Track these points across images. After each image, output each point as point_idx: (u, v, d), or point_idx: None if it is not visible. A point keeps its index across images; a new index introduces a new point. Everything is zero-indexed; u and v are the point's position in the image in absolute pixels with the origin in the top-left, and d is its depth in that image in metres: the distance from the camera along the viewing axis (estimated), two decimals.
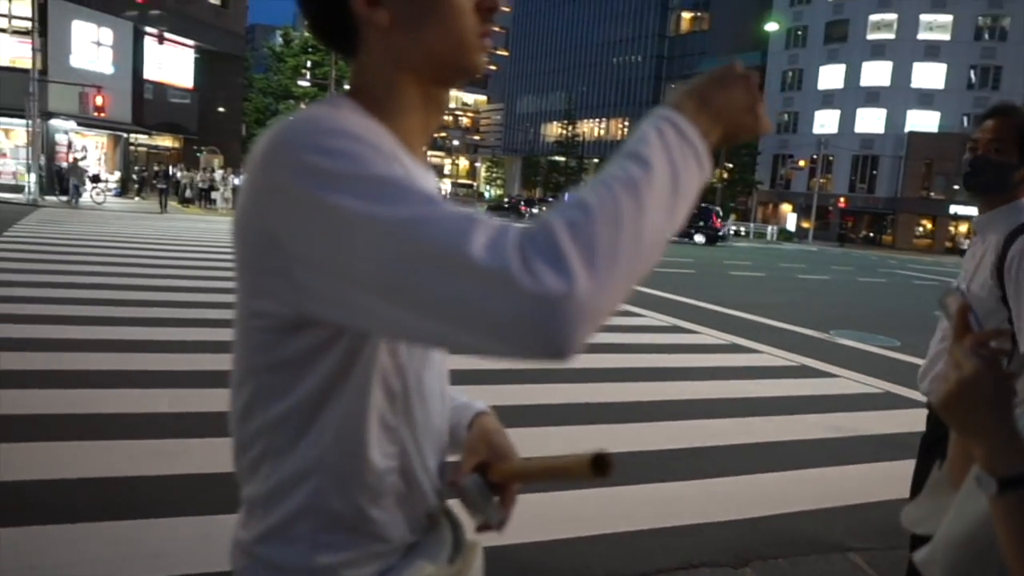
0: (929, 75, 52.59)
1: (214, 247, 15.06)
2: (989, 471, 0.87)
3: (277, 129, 0.78)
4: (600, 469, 0.87)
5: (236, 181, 31.59)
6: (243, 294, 0.84)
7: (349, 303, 0.72)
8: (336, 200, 0.69)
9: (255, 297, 0.82)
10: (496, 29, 0.97)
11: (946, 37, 52.15)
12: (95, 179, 26.89)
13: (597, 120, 78.82)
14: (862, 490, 4.31)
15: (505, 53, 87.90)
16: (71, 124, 28.35)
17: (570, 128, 70.18)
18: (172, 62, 34.51)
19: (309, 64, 46.56)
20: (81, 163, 27.24)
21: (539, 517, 3.38)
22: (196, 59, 36.48)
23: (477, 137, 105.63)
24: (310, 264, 0.73)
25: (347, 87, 0.94)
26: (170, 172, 29.01)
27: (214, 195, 30.69)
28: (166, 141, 37.13)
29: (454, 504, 1.03)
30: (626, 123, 75.39)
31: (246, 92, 48.03)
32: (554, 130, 77.60)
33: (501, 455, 1.04)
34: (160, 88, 34.52)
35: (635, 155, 0.72)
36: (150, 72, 33.55)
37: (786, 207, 58.01)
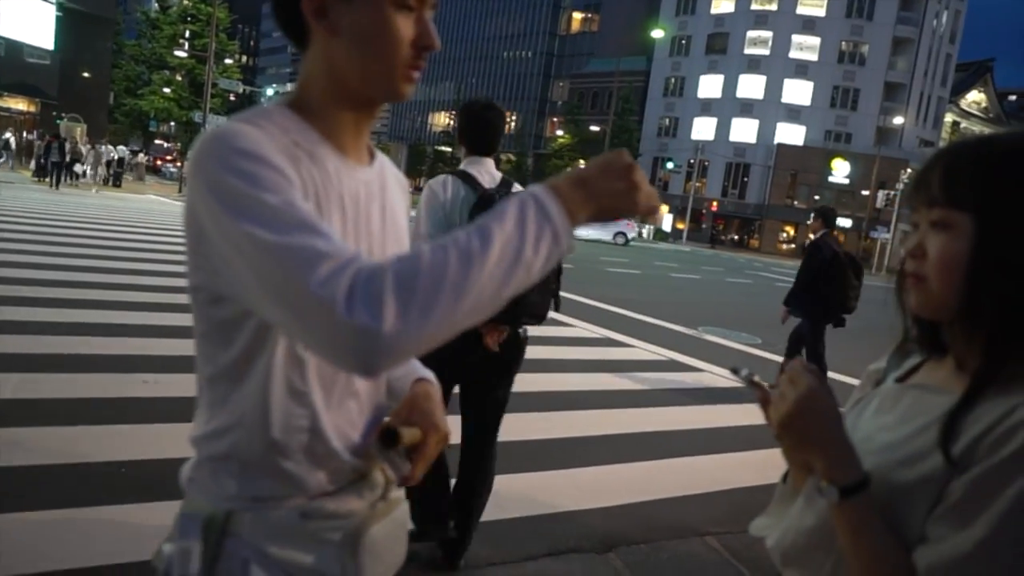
0: (798, 92, 56.01)
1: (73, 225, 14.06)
2: (830, 481, 0.92)
3: (206, 137, 0.94)
4: (386, 441, 1.08)
5: (114, 154, 28.92)
6: (188, 270, 1.01)
7: (241, 294, 0.92)
8: (232, 217, 0.87)
9: (193, 272, 1.00)
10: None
11: (814, 58, 55.67)
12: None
13: None
14: (719, 477, 4.56)
15: None
16: None
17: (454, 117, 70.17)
18: (29, 17, 31.80)
19: (187, 34, 44.17)
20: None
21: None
22: (58, 17, 33.79)
23: None
24: (220, 257, 0.92)
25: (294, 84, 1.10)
26: (65, 144, 24.66)
27: (77, 168, 27.06)
28: (20, 104, 34.24)
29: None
30: (514, 117, 76.01)
31: (115, 58, 44.97)
32: (441, 120, 77.34)
33: (423, 419, 1.14)
34: (14, 45, 31.76)
35: (484, 229, 0.85)
36: (1, 27, 30.81)
37: (663, 208, 60.41)
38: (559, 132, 64.47)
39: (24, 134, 28.52)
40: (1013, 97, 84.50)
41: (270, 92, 50.62)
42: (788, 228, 55.33)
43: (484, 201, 2.83)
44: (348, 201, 1.04)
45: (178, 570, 1.03)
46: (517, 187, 3.04)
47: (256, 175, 0.89)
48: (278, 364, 1.00)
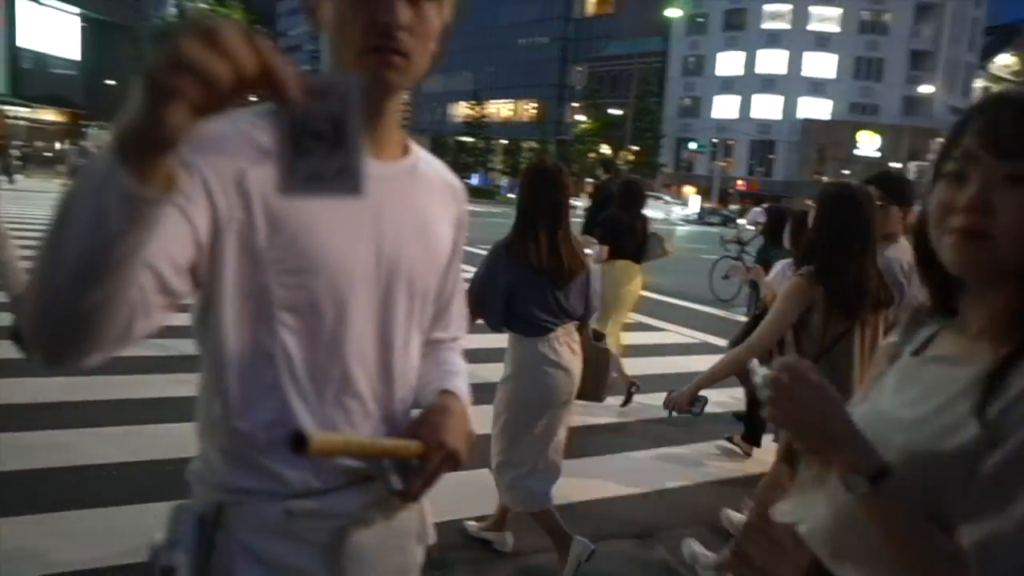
0: (820, 65, 55.12)
1: None
2: (855, 472, 0.88)
3: None
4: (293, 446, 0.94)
5: None
6: None
7: None
8: None
9: None
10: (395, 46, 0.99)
11: (835, 29, 54.71)
12: None
13: (504, 101, 78.81)
14: (764, 460, 4.53)
15: None
16: None
17: (477, 109, 69.97)
18: (54, 29, 32.31)
19: None
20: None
21: (456, 493, 3.40)
22: (83, 28, 34.28)
23: None
24: None
25: None
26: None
27: None
28: (49, 115, 34.82)
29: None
30: (534, 105, 75.71)
31: (139, 65, 45.45)
32: (461, 110, 77.19)
33: (429, 433, 1.07)
34: (40, 57, 32.32)
35: (59, 202, 0.73)
36: (28, 39, 31.30)
37: (689, 189, 59.83)
38: (579, 117, 64.08)
39: (57, 144, 28.75)
40: None
41: None
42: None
43: None
44: None
45: (164, 560, 1.01)
46: None
47: None
48: (231, 354, 0.99)
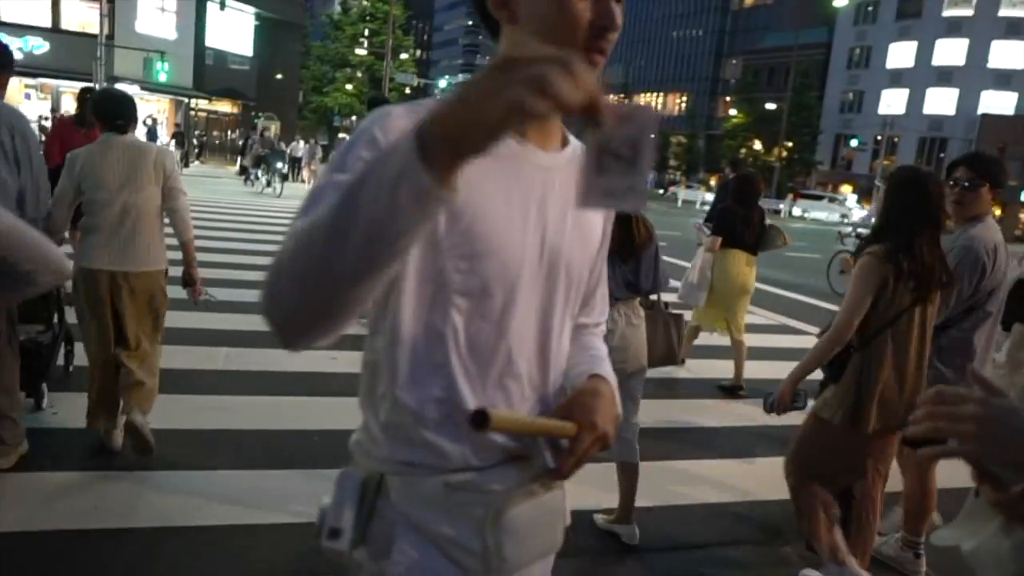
0: (1010, 54, 50.10)
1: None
2: None
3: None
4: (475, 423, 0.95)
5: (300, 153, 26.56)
6: None
7: None
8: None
9: None
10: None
11: None
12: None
13: (654, 94, 77.57)
14: None
15: None
16: (135, 88, 29.01)
17: (627, 101, 69.34)
18: (232, 28, 34.95)
19: (367, 32, 46.74)
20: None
21: (588, 485, 3.40)
22: (256, 26, 36.91)
23: None
24: None
25: None
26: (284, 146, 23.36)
27: (279, 166, 22.43)
28: (225, 106, 37.76)
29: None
30: (684, 98, 74.04)
31: (304, 60, 48.45)
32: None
33: (581, 415, 1.09)
34: (220, 54, 35.01)
35: (344, 194, 0.79)
36: (211, 38, 34.05)
37: (846, 188, 56.47)
38: (732, 112, 62.00)
39: (228, 133, 31.05)
40: None
41: (443, 84, 52.52)
42: (995, 209, 49.84)
43: None
44: (515, 184, 1.04)
45: (331, 522, 1.08)
46: None
47: (343, 155, 0.96)
48: (405, 334, 1.03)
